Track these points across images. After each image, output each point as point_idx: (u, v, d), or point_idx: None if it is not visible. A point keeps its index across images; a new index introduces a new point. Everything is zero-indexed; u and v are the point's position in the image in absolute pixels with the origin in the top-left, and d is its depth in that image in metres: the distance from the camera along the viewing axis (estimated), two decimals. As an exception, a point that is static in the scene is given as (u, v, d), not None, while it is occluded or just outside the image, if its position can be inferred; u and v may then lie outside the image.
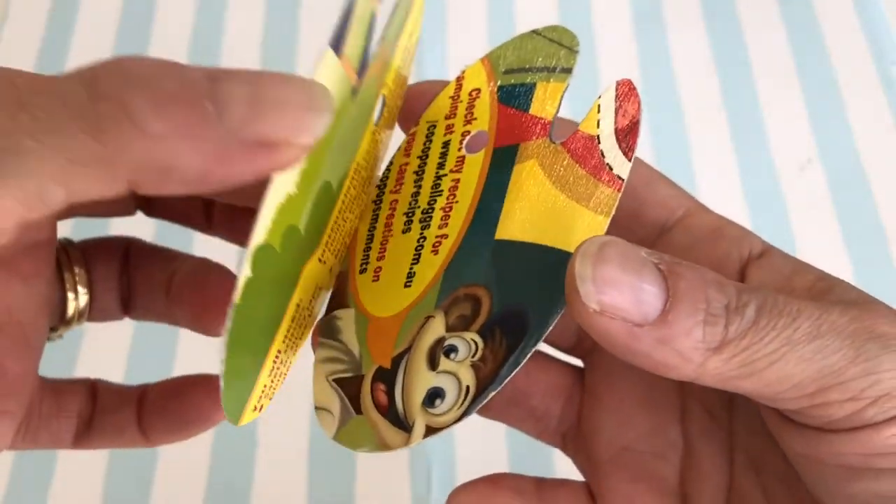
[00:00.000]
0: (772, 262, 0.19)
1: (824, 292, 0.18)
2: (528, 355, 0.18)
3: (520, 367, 0.18)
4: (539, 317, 0.18)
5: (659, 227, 0.21)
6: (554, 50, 0.21)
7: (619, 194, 0.19)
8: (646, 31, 0.48)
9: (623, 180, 0.19)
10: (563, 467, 0.37)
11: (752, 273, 0.19)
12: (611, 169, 0.19)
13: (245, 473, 0.37)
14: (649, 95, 0.46)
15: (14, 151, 0.13)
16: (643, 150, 0.44)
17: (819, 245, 0.42)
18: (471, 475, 0.37)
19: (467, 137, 0.21)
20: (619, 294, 0.16)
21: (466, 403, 0.18)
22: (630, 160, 0.19)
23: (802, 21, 0.48)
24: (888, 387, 0.16)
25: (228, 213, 0.24)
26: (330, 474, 0.37)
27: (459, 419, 0.18)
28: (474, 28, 0.49)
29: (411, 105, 0.22)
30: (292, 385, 0.40)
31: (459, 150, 0.21)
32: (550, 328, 0.18)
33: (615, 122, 0.20)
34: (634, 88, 0.20)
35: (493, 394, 0.18)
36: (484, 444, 0.37)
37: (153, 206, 0.23)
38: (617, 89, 0.20)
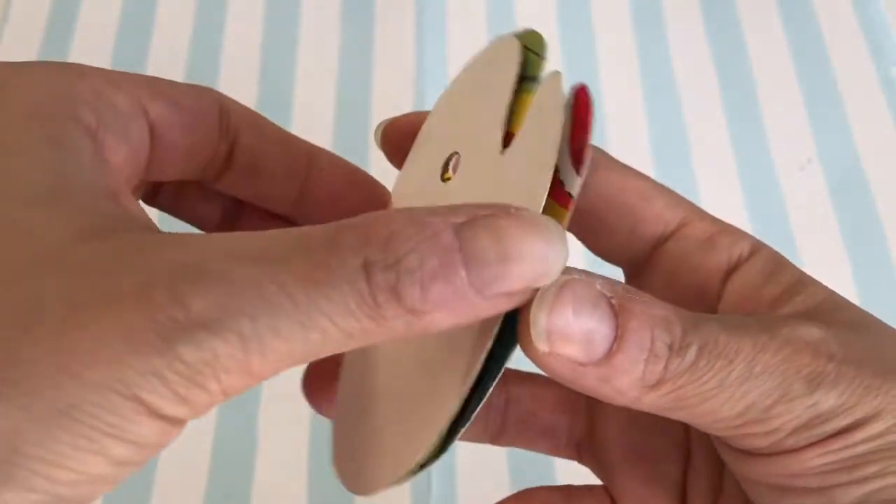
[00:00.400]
0: (749, 269, 0.20)
1: (788, 299, 0.19)
2: (490, 390, 0.18)
3: (484, 400, 0.18)
4: (500, 350, 0.17)
5: (655, 240, 0.21)
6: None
7: (570, 213, 0.18)
8: (645, 31, 0.48)
9: (573, 197, 0.18)
10: (563, 469, 0.37)
11: (730, 281, 0.20)
12: (562, 185, 0.18)
13: (245, 474, 0.37)
14: (649, 95, 0.46)
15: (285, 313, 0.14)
16: (643, 150, 0.44)
17: (818, 245, 0.42)
18: (470, 476, 0.37)
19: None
20: (569, 342, 0.16)
21: (438, 444, 0.18)
22: (581, 175, 0.18)
23: (802, 21, 0.48)
24: (805, 418, 0.17)
25: (255, 220, 0.24)
26: (330, 475, 0.37)
27: (436, 459, 0.18)
28: (474, 27, 0.48)
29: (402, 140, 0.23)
30: (293, 386, 0.40)
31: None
32: (508, 362, 0.18)
33: (570, 136, 0.18)
34: (590, 99, 0.19)
35: (463, 430, 0.18)
36: (483, 446, 0.37)
37: (157, 195, 0.23)
38: (575, 98, 0.19)
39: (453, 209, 0.15)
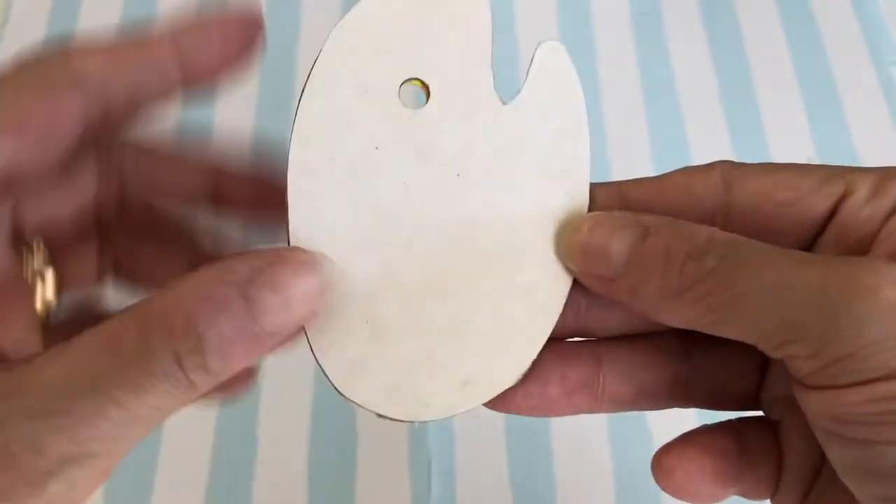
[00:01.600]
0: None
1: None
2: None
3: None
4: None
5: (820, 222, 0.19)
6: None
7: None
8: (645, 31, 0.48)
9: None
10: (563, 469, 0.37)
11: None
12: None
13: (245, 472, 0.36)
14: (648, 95, 0.46)
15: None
16: (642, 150, 0.44)
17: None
18: (470, 473, 0.37)
19: None
20: (590, 258, 0.19)
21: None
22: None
23: (801, 21, 0.48)
24: (850, 346, 0.15)
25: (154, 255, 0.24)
26: (330, 474, 0.37)
27: None
28: None
29: None
30: (293, 383, 0.40)
31: None
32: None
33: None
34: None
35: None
36: (483, 443, 0.37)
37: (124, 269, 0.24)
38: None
39: (231, 267, 0.17)
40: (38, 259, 0.21)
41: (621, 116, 0.45)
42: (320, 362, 0.20)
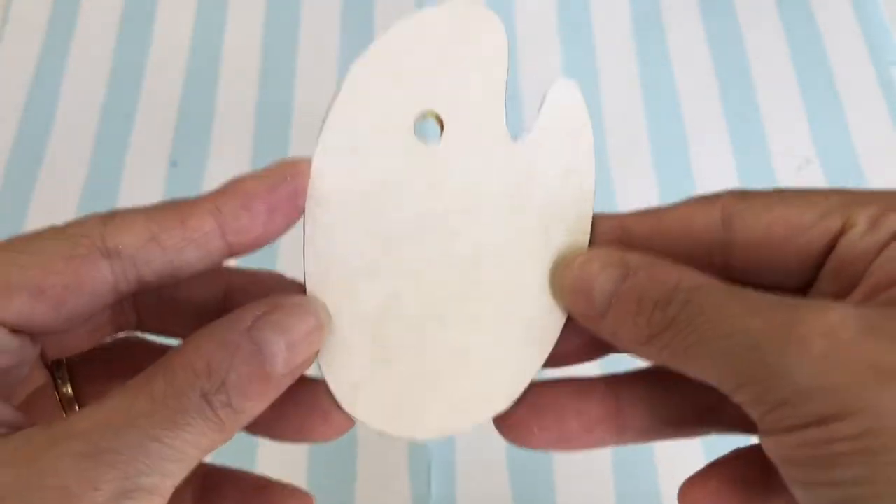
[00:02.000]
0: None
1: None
2: None
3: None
4: None
5: (820, 254, 0.19)
6: None
7: None
8: (645, 31, 0.48)
9: None
10: (563, 471, 0.37)
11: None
12: None
13: (247, 469, 0.36)
14: (648, 95, 0.46)
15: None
16: (642, 150, 0.44)
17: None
18: (470, 475, 0.37)
19: None
20: (578, 295, 0.20)
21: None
22: None
23: (800, 21, 0.48)
24: (784, 394, 0.16)
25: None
26: (330, 474, 0.37)
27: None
28: None
29: None
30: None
31: None
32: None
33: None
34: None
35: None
36: (483, 444, 0.37)
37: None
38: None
39: (239, 317, 0.19)
40: (62, 383, 0.23)
41: (621, 117, 0.45)
42: (327, 380, 0.21)
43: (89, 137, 0.45)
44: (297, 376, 0.20)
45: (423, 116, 0.22)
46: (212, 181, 0.43)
